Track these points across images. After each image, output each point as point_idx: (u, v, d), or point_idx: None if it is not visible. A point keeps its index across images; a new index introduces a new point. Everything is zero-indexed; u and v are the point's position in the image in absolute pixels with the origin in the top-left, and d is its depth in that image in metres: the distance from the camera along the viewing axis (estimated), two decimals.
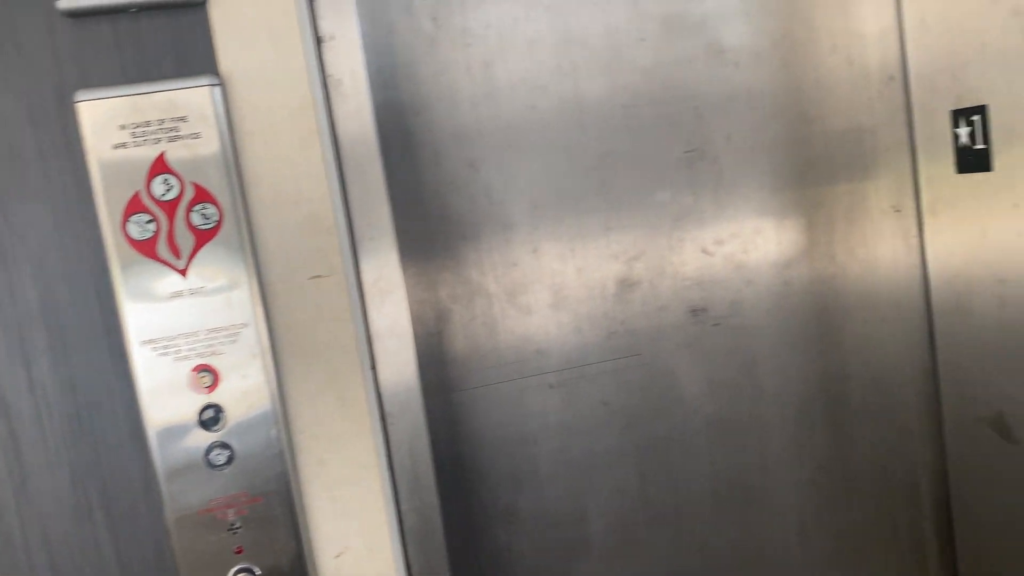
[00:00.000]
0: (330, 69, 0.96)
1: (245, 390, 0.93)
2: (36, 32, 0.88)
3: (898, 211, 1.39)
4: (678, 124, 1.31)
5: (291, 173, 0.94)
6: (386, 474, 0.98)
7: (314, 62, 0.94)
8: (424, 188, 1.22)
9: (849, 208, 1.38)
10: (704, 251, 1.33)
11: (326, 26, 0.96)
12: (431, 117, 1.21)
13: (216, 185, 0.91)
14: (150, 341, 0.90)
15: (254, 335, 0.93)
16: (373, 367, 0.98)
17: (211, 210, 0.91)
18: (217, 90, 0.91)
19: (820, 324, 1.40)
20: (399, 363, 1.00)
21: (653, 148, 1.30)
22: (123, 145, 0.89)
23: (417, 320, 1.23)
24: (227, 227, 0.92)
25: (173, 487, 0.92)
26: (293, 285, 0.95)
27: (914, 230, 1.40)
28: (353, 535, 0.99)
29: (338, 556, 0.98)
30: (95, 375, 0.91)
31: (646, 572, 1.34)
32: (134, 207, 0.89)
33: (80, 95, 0.88)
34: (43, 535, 0.87)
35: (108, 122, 0.88)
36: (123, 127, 0.88)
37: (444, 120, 1.22)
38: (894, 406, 1.44)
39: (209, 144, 0.90)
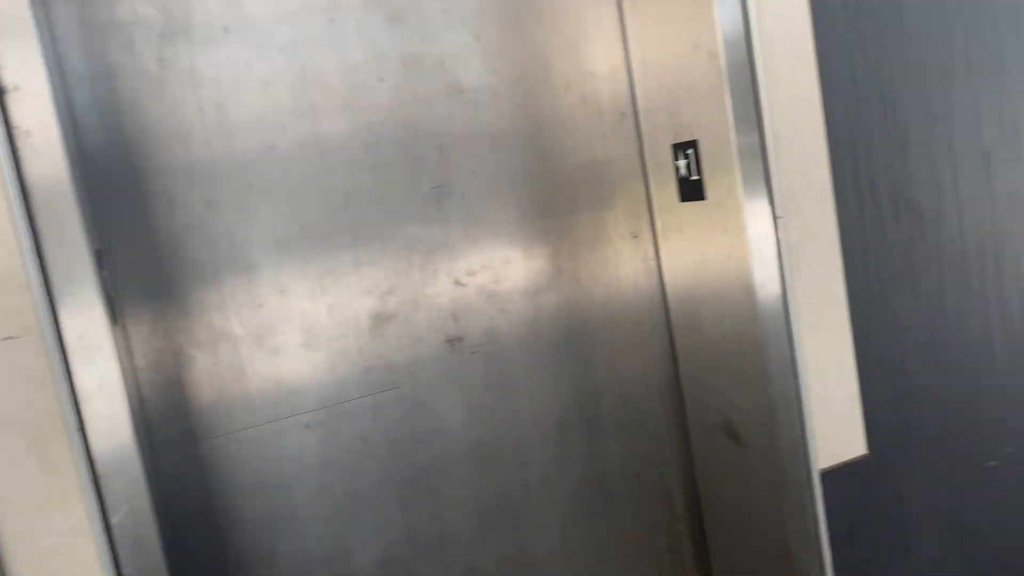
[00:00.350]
0: (16, 121, 0.88)
1: None
2: None
3: (636, 237, 1.44)
4: (423, 161, 1.30)
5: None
6: (102, 539, 0.90)
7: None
8: (158, 233, 1.15)
9: (592, 236, 1.42)
10: (457, 282, 1.33)
11: (8, 76, 0.88)
12: (162, 160, 1.14)
13: None
14: None
15: None
16: (81, 428, 0.90)
17: None
18: None
19: (571, 346, 1.42)
20: (111, 422, 0.93)
21: (400, 185, 1.29)
22: None
23: (154, 369, 1.15)
24: None
25: None
26: None
27: (652, 254, 1.45)
28: None
29: None
30: None
31: None
32: None
33: None
34: None
35: None
36: None
37: (176, 162, 1.15)
38: (645, 418, 1.49)
39: None
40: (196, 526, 1.19)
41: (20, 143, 0.89)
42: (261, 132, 1.22)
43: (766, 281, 1.26)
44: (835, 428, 1.32)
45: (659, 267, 1.48)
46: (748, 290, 1.24)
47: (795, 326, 1.27)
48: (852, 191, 1.31)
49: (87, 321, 0.92)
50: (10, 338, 0.88)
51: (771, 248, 1.25)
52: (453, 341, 1.36)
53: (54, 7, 1.10)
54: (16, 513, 0.89)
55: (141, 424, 0.98)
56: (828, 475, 1.31)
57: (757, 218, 1.25)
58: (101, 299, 0.92)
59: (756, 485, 1.33)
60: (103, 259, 1.03)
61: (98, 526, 0.92)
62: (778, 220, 1.27)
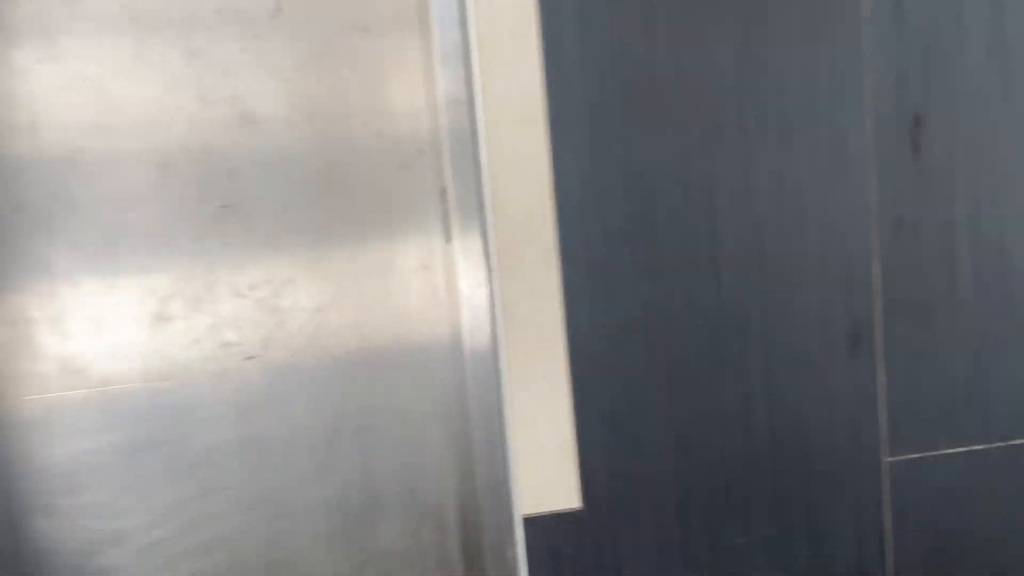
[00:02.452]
0: None
1: None
2: None
3: (426, 268, 1.49)
4: (213, 183, 1.43)
5: None
6: None
7: None
8: None
9: (380, 264, 1.49)
10: (238, 294, 1.46)
11: None
12: None
13: None
14: None
15: None
16: None
17: None
18: None
19: (351, 363, 1.51)
20: None
21: (190, 202, 1.43)
22: None
23: None
24: None
25: None
26: None
27: (442, 284, 1.50)
28: None
29: None
30: None
31: None
32: None
33: None
34: None
35: None
36: None
37: None
38: (422, 435, 1.55)
39: None
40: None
41: None
42: (66, 150, 1.41)
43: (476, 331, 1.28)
44: (544, 477, 1.32)
45: (450, 297, 1.52)
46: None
47: (505, 377, 1.29)
48: (582, 250, 1.29)
49: None
50: None
51: (483, 299, 1.27)
52: (230, 346, 1.49)
53: None
54: None
55: None
56: (532, 521, 1.31)
57: (473, 271, 1.28)
58: None
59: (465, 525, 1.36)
60: None
61: None
62: (492, 272, 1.28)
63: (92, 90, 1.40)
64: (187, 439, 1.48)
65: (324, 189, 1.47)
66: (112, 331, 1.44)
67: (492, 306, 1.25)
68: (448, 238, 1.34)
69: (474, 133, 1.21)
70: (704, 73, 1.24)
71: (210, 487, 1.49)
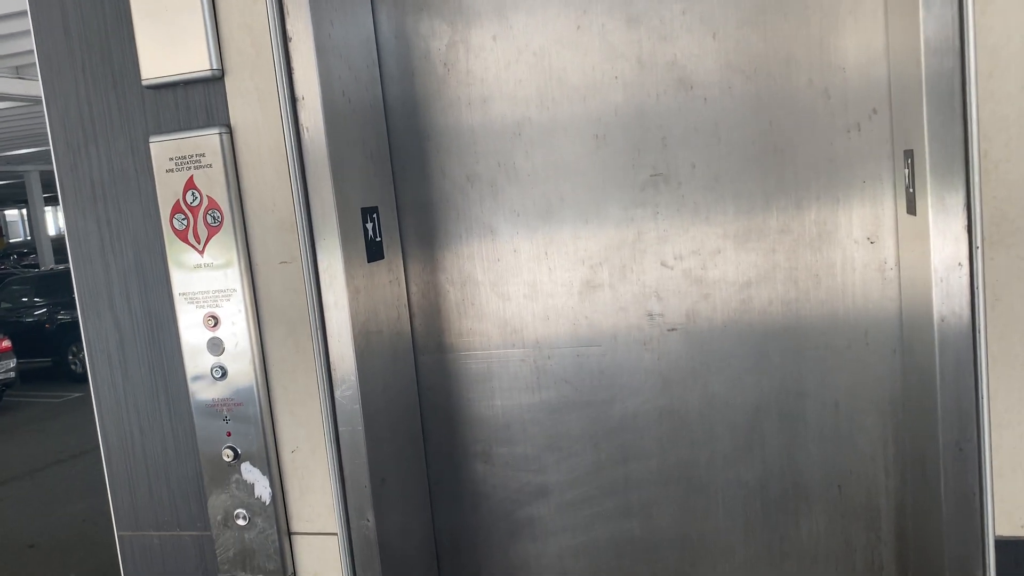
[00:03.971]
0: (303, 121, 1.30)
1: (235, 332, 1.35)
2: (133, 98, 1.36)
3: (872, 242, 1.34)
4: (646, 151, 1.42)
5: (270, 191, 1.32)
6: (327, 404, 1.33)
7: (289, 118, 1.29)
8: (433, 196, 1.51)
9: (818, 236, 1.37)
10: (663, 264, 1.44)
11: (300, 89, 1.30)
12: (440, 143, 1.49)
13: (221, 198, 1.32)
14: (184, 294, 1.36)
15: (241, 297, 1.34)
16: (323, 328, 1.33)
17: (217, 214, 1.33)
18: (226, 136, 1.31)
19: (779, 343, 1.41)
20: (339, 328, 1.33)
21: (622, 171, 1.43)
22: (171, 170, 1.34)
23: (422, 295, 1.54)
24: (227, 226, 1.33)
25: (194, 387, 1.38)
26: (270, 266, 1.34)
27: (891, 261, 1.34)
28: (303, 439, 1.36)
29: (293, 452, 1.37)
30: (161, 307, 1.39)
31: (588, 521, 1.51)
32: (176, 209, 1.34)
33: (152, 138, 1.34)
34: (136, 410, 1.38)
35: (163, 155, 1.34)
36: (171, 159, 1.33)
37: (450, 145, 1.48)
38: (856, 432, 1.40)
39: (218, 171, 1.32)
40: (429, 417, 1.57)
41: (304, 136, 1.31)
42: (511, 122, 1.48)
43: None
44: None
45: (899, 274, 1.34)
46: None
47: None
48: None
49: (331, 259, 1.33)
50: (285, 262, 1.34)
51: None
52: (654, 316, 1.47)
53: (380, 29, 1.49)
54: (281, 373, 1.36)
55: (360, 333, 1.37)
56: (1010, 545, 1.12)
57: (951, 246, 1.10)
58: (341, 245, 1.31)
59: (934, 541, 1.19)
60: (371, 214, 1.43)
61: (324, 394, 1.34)
62: (976, 249, 1.09)
63: (536, 64, 1.43)
64: (609, 404, 1.49)
65: (759, 155, 1.36)
66: (545, 296, 1.48)
67: (974, 289, 1.04)
68: (912, 208, 1.15)
69: (964, 84, 1.01)
70: None
71: (629, 454, 1.48)
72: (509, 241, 1.47)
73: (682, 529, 1.47)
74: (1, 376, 9.90)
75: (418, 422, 1.53)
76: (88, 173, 1.37)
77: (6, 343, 9.92)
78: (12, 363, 9.94)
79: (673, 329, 1.43)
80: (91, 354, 1.41)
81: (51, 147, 1.38)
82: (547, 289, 1.47)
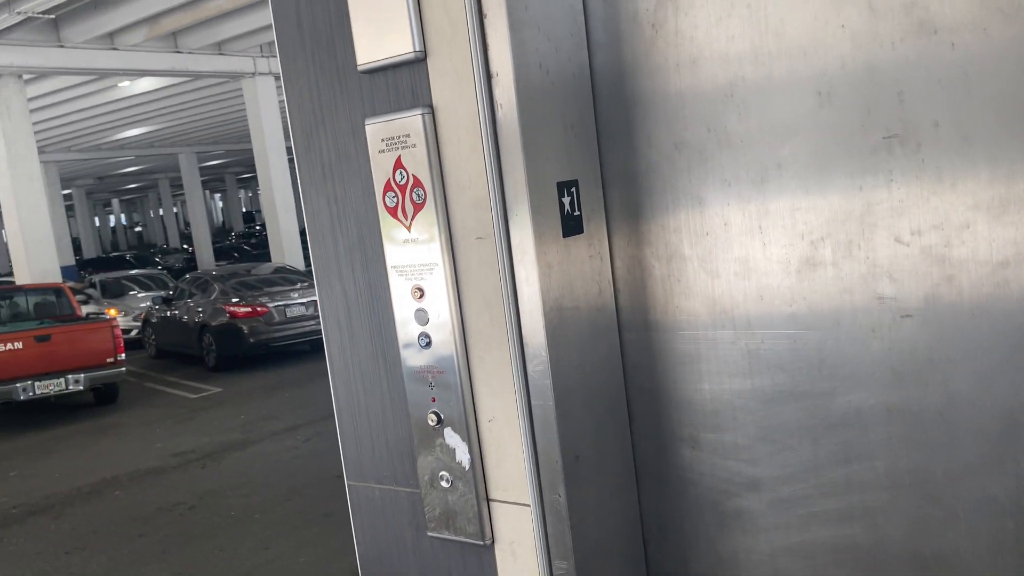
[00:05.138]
0: (498, 98, 1.32)
1: (437, 303, 1.42)
2: (352, 83, 1.46)
3: None
4: (878, 109, 1.25)
5: (466, 168, 1.36)
6: (520, 378, 1.36)
7: (484, 95, 1.32)
8: (639, 164, 1.46)
9: None
10: (898, 240, 1.26)
11: (495, 66, 1.32)
12: (647, 109, 1.43)
13: (424, 176, 1.39)
14: (395, 267, 1.45)
15: (442, 271, 1.40)
16: (516, 303, 1.35)
17: (421, 192, 1.40)
18: (428, 116, 1.37)
19: None
20: (530, 303, 1.34)
21: (849, 133, 1.28)
22: (383, 151, 1.43)
23: (627, 271, 1.50)
24: (429, 203, 1.39)
25: (404, 353, 1.48)
26: (468, 241, 1.39)
27: None
28: (499, 409, 1.41)
29: (490, 421, 1.42)
30: (378, 279, 1.50)
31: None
32: (387, 188, 1.43)
33: (367, 121, 1.44)
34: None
35: (376, 137, 1.43)
36: (383, 140, 1.42)
37: (657, 112, 1.42)
38: None
39: (422, 151, 1.38)
40: (635, 397, 1.53)
41: (499, 113, 1.32)
42: (723, 82, 1.37)
43: None
44: None
45: None
46: None
47: None
48: None
49: (522, 234, 1.34)
50: (480, 238, 1.37)
51: None
52: (884, 299, 1.29)
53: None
54: (478, 344, 1.41)
55: (552, 309, 1.36)
56: None
57: None
58: (532, 221, 1.31)
59: None
60: (569, 188, 1.41)
61: (517, 368, 1.37)
62: None
63: (750, 16, 1.30)
64: (830, 396, 1.33)
65: (1019, 111, 1.12)
66: (759, 273, 1.36)
67: None
68: None
69: None
70: None
71: (852, 453, 1.32)
72: (719, 213, 1.37)
73: (914, 544, 1.29)
74: None
75: (622, 401, 1.49)
76: (319, 154, 1.50)
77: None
78: None
79: (908, 315, 1.24)
80: (325, 320, 1.56)
81: (290, 130, 1.53)
82: (760, 267, 1.35)
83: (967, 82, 1.14)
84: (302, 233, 16.94)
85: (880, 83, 1.21)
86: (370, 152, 1.41)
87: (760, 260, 1.35)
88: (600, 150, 1.46)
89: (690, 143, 1.38)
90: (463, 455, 1.40)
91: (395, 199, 1.40)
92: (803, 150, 1.29)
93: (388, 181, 1.40)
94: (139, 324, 16.15)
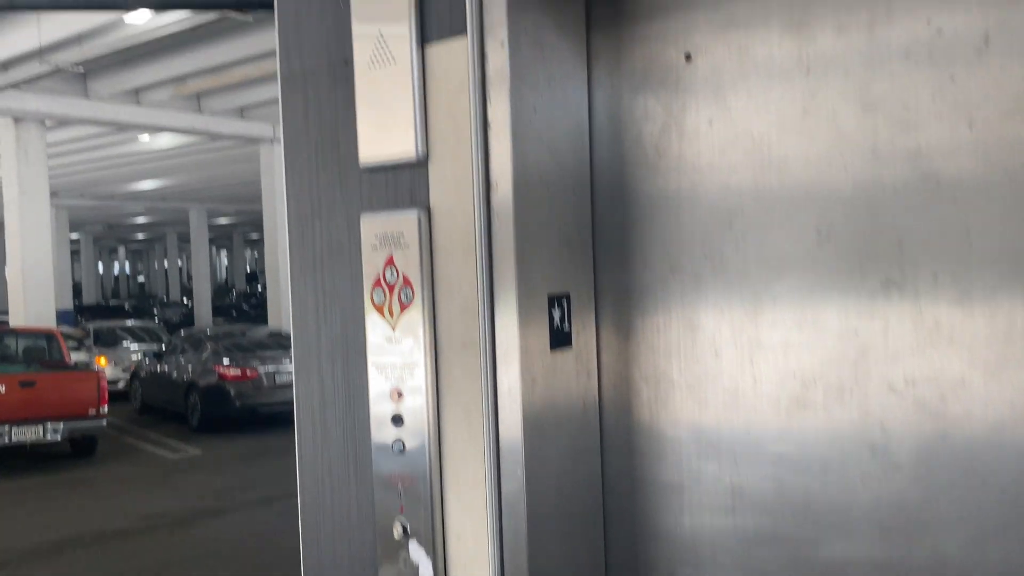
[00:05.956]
0: (495, 208, 1.30)
1: (415, 409, 1.37)
2: (352, 177, 1.46)
3: None
4: (876, 255, 1.23)
5: (457, 273, 1.34)
6: (493, 499, 1.31)
7: (482, 202, 1.30)
8: (633, 284, 1.43)
9: None
10: (891, 388, 1.23)
11: (495, 175, 1.31)
12: (643, 232, 1.42)
13: (414, 276, 1.36)
14: (376, 364, 1.42)
15: (424, 374, 1.36)
16: (495, 412, 1.30)
17: (409, 292, 1.37)
18: (424, 217, 1.35)
19: None
20: (511, 414, 1.29)
21: (845, 276, 1.26)
22: (375, 247, 1.41)
23: (613, 387, 1.46)
24: (417, 303, 1.36)
25: (376, 456, 1.42)
26: (452, 347, 1.35)
27: None
28: (469, 526, 1.34)
29: (458, 538, 1.36)
30: (358, 376, 1.46)
31: None
32: (376, 284, 1.41)
33: (363, 215, 1.43)
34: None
35: (370, 232, 1.41)
36: (376, 236, 1.40)
37: (654, 237, 1.41)
38: None
39: (414, 251, 1.36)
40: (612, 523, 1.46)
41: (495, 221, 1.31)
42: (722, 212, 1.36)
43: None
44: None
45: None
46: None
47: None
48: None
49: (508, 346, 1.30)
50: (465, 345, 1.34)
51: None
52: (875, 449, 1.24)
53: (595, 113, 1.46)
54: (453, 456, 1.35)
55: (534, 425, 1.32)
56: None
57: None
58: (520, 332, 1.28)
59: None
60: (560, 301, 1.38)
61: (492, 485, 1.31)
62: None
63: (754, 150, 1.30)
64: (814, 544, 1.28)
65: (1021, 270, 1.10)
66: (748, 408, 1.32)
67: None
68: None
69: None
70: None
71: None
72: (710, 341, 1.34)
73: None
74: None
75: (599, 528, 1.43)
76: (312, 244, 1.48)
77: None
78: None
79: (899, 468, 1.19)
80: (299, 411, 1.51)
81: (286, 217, 1.52)
82: (749, 401, 1.31)
83: (968, 237, 1.13)
84: None
85: (880, 228, 1.20)
86: (363, 247, 1.40)
87: (750, 394, 1.31)
88: (595, 265, 1.44)
89: (685, 268, 1.36)
90: (426, 571, 1.33)
91: (383, 296, 1.37)
92: (799, 286, 1.27)
93: (378, 277, 1.37)
94: (127, 376, 15.99)
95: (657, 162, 1.38)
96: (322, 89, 1.45)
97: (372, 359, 1.39)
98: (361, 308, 1.41)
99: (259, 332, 14.99)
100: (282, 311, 18.92)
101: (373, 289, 1.38)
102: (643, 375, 1.41)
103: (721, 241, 1.33)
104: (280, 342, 13.50)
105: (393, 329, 1.36)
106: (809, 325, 1.26)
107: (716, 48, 1.31)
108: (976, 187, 1.12)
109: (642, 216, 1.39)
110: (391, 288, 1.36)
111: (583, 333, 1.41)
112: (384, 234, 1.36)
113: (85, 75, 14.45)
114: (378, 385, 1.38)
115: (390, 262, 1.36)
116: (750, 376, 1.31)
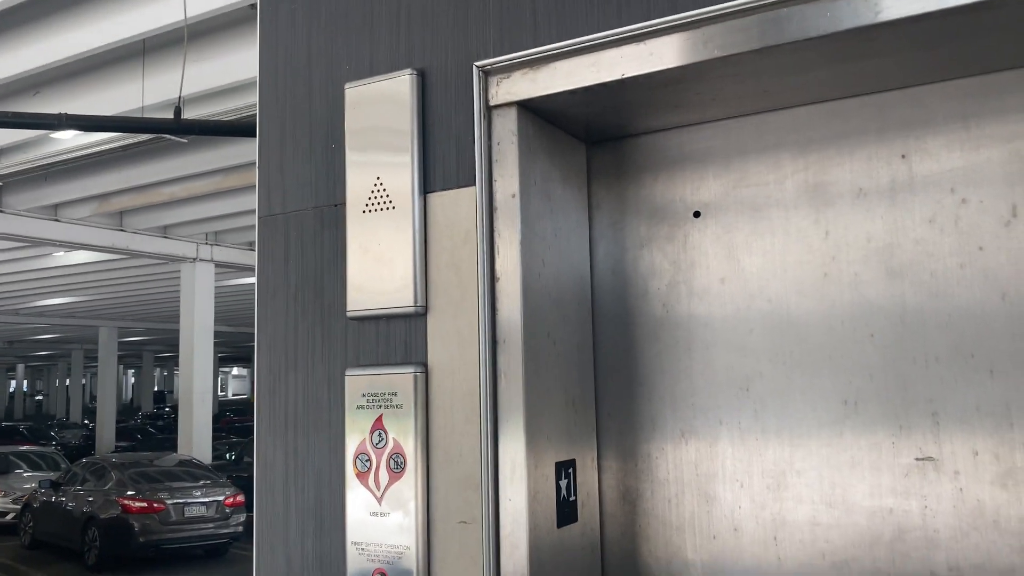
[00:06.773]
0: (502, 367, 1.19)
1: None
2: (337, 329, 1.32)
3: None
4: (910, 428, 1.15)
5: (458, 439, 1.20)
6: None
7: (488, 360, 1.19)
8: (639, 448, 1.32)
9: None
10: (933, 573, 1.12)
11: (502, 331, 1.20)
12: (645, 387, 1.32)
13: (407, 442, 1.22)
14: (356, 543, 1.24)
15: (414, 558, 1.19)
16: None
17: (400, 459, 1.22)
18: (420, 376, 1.22)
19: None
20: None
21: (877, 450, 1.17)
22: (362, 406, 1.26)
23: (620, 501, 1.32)
24: (409, 473, 1.21)
25: None
26: (449, 525, 1.19)
27: None
28: None
29: None
30: (333, 553, 1.28)
31: None
32: (360, 449, 1.25)
33: (348, 371, 1.29)
34: None
35: (356, 390, 1.27)
36: (364, 395, 1.26)
37: (662, 392, 1.31)
38: None
39: (408, 413, 1.22)
40: None
41: (501, 382, 1.19)
42: (738, 376, 1.27)
43: None
44: None
45: None
46: None
47: None
48: None
49: (514, 526, 1.16)
50: (464, 522, 1.18)
51: None
52: None
53: (596, 266, 1.38)
54: None
55: None
56: None
57: None
58: (528, 510, 1.14)
59: None
60: (567, 469, 1.25)
61: None
62: None
63: (771, 311, 1.23)
64: None
65: None
66: (746, 553, 1.19)
67: None
68: None
69: None
70: None
71: None
72: (728, 515, 1.22)
73: None
74: (231, 529, 10.52)
75: None
76: (284, 400, 1.33)
77: (240, 497, 10.61)
78: (242, 517, 10.55)
79: None
80: None
81: (255, 369, 1.36)
82: None
83: (1008, 413, 1.07)
84: (215, 426, 16.17)
85: (912, 400, 1.13)
86: (346, 406, 1.25)
87: None
88: (598, 428, 1.33)
89: (699, 433, 1.26)
90: None
91: (368, 463, 1.22)
92: (826, 460, 1.18)
93: (363, 441, 1.22)
94: (18, 508, 14.70)
95: (665, 318, 1.30)
96: (307, 232, 1.34)
97: (352, 536, 1.22)
98: (341, 476, 1.25)
99: (168, 460, 14.10)
100: (193, 437, 17.99)
101: (357, 455, 1.23)
102: (653, 553, 1.28)
103: (739, 407, 1.24)
104: (191, 472, 12.70)
105: (379, 502, 1.20)
106: (839, 502, 1.17)
107: (727, 206, 1.27)
108: (1013, 359, 1.07)
109: (650, 375, 1.30)
110: (379, 454, 1.21)
111: (588, 503, 1.28)
112: (374, 393, 1.23)
113: (1, 188, 13.99)
114: (358, 565, 1.21)
115: (379, 424, 1.22)
116: (774, 556, 1.20)
